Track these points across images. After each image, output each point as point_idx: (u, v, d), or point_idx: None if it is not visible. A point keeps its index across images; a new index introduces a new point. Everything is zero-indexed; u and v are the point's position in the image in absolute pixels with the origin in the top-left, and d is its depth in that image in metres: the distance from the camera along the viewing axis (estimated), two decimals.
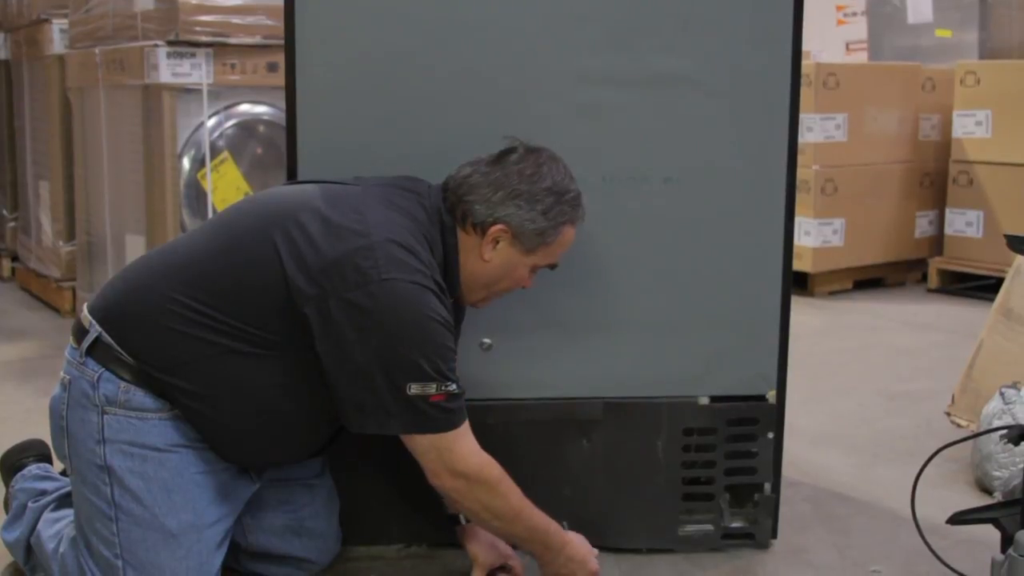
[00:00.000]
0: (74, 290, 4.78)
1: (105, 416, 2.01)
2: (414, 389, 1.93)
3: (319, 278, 1.93)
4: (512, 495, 2.05)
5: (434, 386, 1.94)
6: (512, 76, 2.28)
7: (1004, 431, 2.18)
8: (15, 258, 5.60)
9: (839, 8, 6.99)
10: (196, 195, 4.12)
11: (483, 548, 2.26)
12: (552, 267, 2.18)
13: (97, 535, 2.03)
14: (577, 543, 2.18)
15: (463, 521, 2.27)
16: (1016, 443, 2.12)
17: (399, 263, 1.94)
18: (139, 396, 2.01)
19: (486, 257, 2.10)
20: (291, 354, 1.99)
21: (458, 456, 1.99)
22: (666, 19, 2.28)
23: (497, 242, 2.10)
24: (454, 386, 1.96)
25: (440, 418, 1.96)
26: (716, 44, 2.29)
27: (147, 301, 2.02)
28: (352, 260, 1.92)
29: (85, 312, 2.08)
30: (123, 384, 2.01)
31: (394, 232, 1.98)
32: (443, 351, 1.96)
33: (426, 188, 2.14)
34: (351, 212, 2.00)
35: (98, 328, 2.03)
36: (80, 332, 2.07)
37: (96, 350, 2.03)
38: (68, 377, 2.06)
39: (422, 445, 1.98)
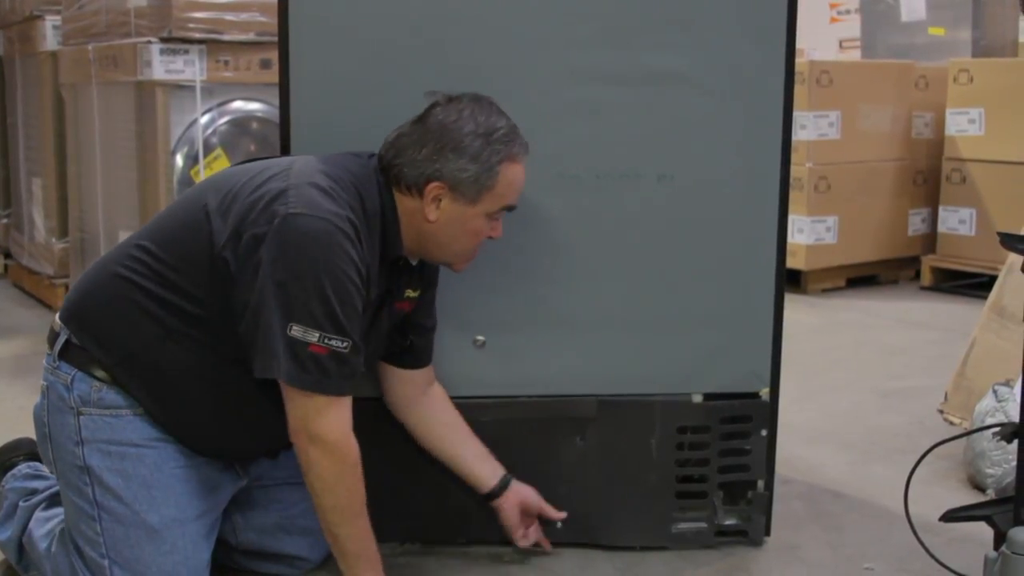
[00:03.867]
0: (67, 287, 4.76)
1: (81, 417, 2.01)
2: (295, 331, 1.85)
3: (235, 220, 1.92)
4: (360, 493, 1.99)
5: (316, 335, 1.86)
6: (507, 73, 2.27)
7: (997, 428, 2.18)
8: (8, 255, 5.59)
9: (832, 6, 7.01)
10: None
11: (513, 510, 2.32)
12: (510, 209, 2.10)
13: (83, 536, 2.03)
14: None
15: (501, 488, 2.30)
16: (1009, 440, 2.12)
17: (311, 202, 1.89)
18: (111, 394, 2.01)
19: (431, 218, 2.04)
20: (225, 327, 1.95)
21: (323, 421, 1.90)
22: (660, 17, 2.28)
23: (439, 200, 2.03)
24: (341, 344, 1.88)
25: (314, 376, 1.87)
26: (710, 42, 2.29)
27: (98, 288, 2.04)
28: (265, 200, 1.92)
29: (56, 317, 2.10)
30: (96, 383, 2.01)
31: (315, 177, 1.95)
32: (340, 298, 1.87)
33: (364, 155, 2.10)
34: (281, 165, 2.01)
35: (66, 331, 2.04)
36: (52, 337, 2.08)
37: (68, 353, 2.04)
38: (45, 383, 2.07)
39: (291, 397, 1.91)
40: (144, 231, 2.07)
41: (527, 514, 2.35)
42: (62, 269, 4.81)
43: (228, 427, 2.08)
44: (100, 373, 2.01)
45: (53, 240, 4.87)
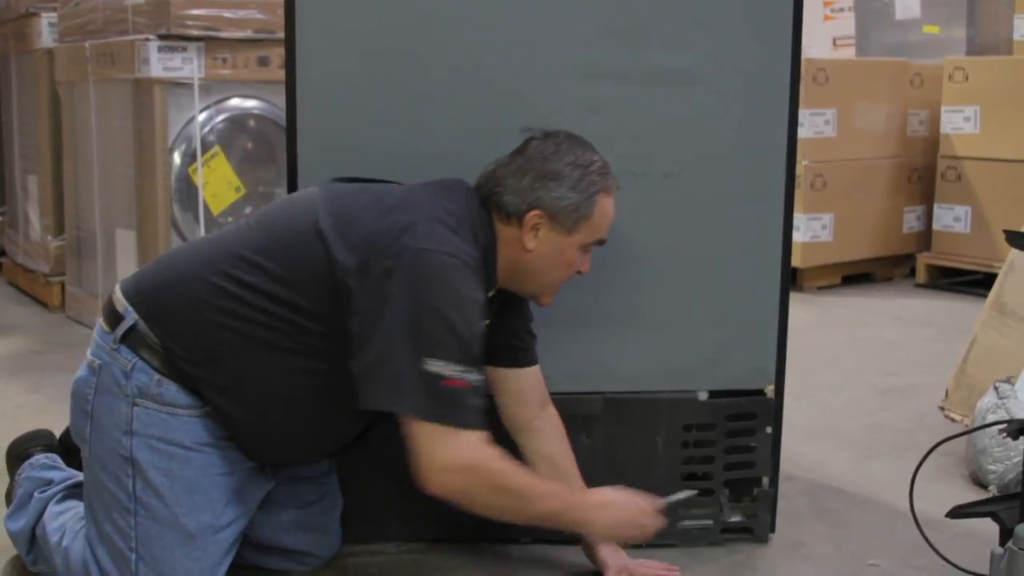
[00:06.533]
0: (63, 285, 4.76)
1: (135, 408, 1.99)
2: (431, 365, 1.86)
3: (360, 249, 1.92)
4: (519, 481, 1.94)
5: (452, 368, 1.87)
6: (513, 70, 2.28)
7: (1003, 425, 2.19)
8: (2, 253, 5.57)
9: (826, 3, 7.00)
10: (187, 190, 4.12)
11: (611, 556, 2.26)
12: (601, 243, 2.16)
13: (113, 524, 2.02)
14: (611, 495, 2.05)
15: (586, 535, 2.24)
16: (1015, 437, 2.13)
17: (439, 238, 1.93)
18: (172, 390, 1.99)
19: (529, 246, 2.08)
20: (323, 344, 1.97)
21: (454, 451, 1.87)
22: (667, 15, 2.28)
23: (537, 229, 2.07)
24: (476, 378, 1.90)
25: (449, 408, 1.87)
26: (717, 40, 2.30)
27: (185, 287, 2.00)
28: (393, 232, 1.92)
29: (119, 295, 2.05)
30: (156, 376, 1.99)
31: (439, 213, 1.98)
32: (471, 333, 1.91)
33: (466, 187, 2.13)
34: (398, 196, 2.02)
35: (134, 315, 2.00)
36: (114, 316, 2.03)
37: (131, 338, 2.00)
38: (98, 362, 2.02)
39: (422, 434, 1.87)
40: (242, 241, 2.01)
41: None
42: (58, 267, 4.80)
43: (295, 437, 2.09)
44: (162, 366, 1.98)
45: (49, 238, 4.86)
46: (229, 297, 1.97)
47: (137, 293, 2.04)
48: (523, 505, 1.96)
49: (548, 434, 2.28)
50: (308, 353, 1.98)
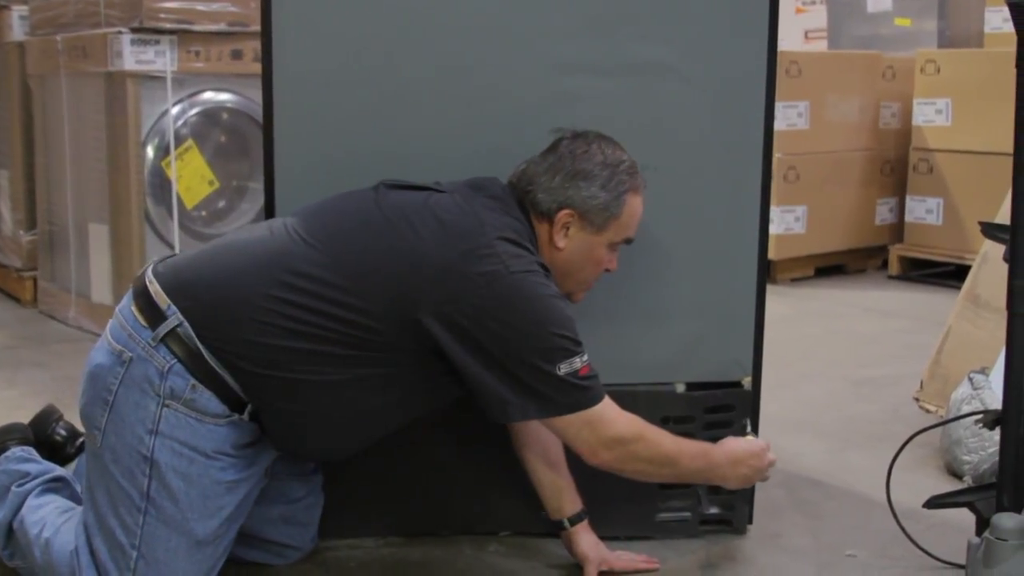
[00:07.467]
0: (35, 280, 4.74)
1: (165, 409, 1.97)
2: (563, 369, 1.97)
3: (441, 282, 1.94)
4: (666, 444, 2.10)
5: (578, 360, 1.98)
6: (490, 64, 2.27)
7: (979, 416, 2.21)
8: None
9: None
10: (160, 183, 4.10)
11: (591, 548, 2.29)
12: (628, 241, 2.20)
13: (118, 518, 2.00)
14: (736, 448, 2.21)
15: (567, 526, 2.29)
16: (991, 427, 2.15)
17: (518, 257, 1.99)
18: (205, 397, 1.97)
19: (559, 245, 2.13)
20: (390, 356, 1.98)
21: (609, 423, 2.03)
22: (644, 8, 2.28)
23: (567, 228, 2.12)
24: (586, 353, 2.01)
25: (593, 390, 2.01)
26: (693, 32, 2.30)
27: (242, 297, 1.97)
28: (473, 263, 1.95)
29: (158, 288, 2.00)
30: (192, 382, 1.96)
31: (504, 230, 2.02)
32: (569, 322, 2.00)
33: (506, 189, 2.14)
34: (460, 214, 2.02)
35: (179, 317, 1.96)
36: (154, 312, 1.98)
37: (171, 339, 1.97)
38: (130, 354, 1.98)
39: (574, 426, 2.02)
40: (306, 257, 1.98)
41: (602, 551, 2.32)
42: (30, 262, 4.77)
43: (345, 436, 2.11)
44: (200, 372, 1.96)
45: (20, 233, 4.82)
46: (295, 310, 1.95)
47: (179, 292, 1.99)
48: (672, 468, 2.13)
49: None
50: (373, 363, 1.99)
